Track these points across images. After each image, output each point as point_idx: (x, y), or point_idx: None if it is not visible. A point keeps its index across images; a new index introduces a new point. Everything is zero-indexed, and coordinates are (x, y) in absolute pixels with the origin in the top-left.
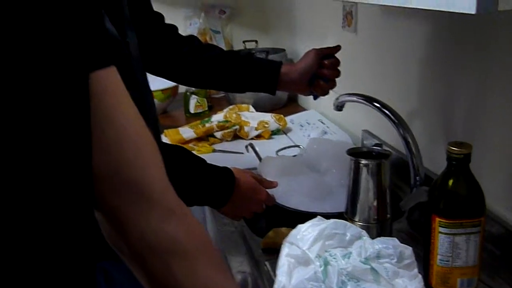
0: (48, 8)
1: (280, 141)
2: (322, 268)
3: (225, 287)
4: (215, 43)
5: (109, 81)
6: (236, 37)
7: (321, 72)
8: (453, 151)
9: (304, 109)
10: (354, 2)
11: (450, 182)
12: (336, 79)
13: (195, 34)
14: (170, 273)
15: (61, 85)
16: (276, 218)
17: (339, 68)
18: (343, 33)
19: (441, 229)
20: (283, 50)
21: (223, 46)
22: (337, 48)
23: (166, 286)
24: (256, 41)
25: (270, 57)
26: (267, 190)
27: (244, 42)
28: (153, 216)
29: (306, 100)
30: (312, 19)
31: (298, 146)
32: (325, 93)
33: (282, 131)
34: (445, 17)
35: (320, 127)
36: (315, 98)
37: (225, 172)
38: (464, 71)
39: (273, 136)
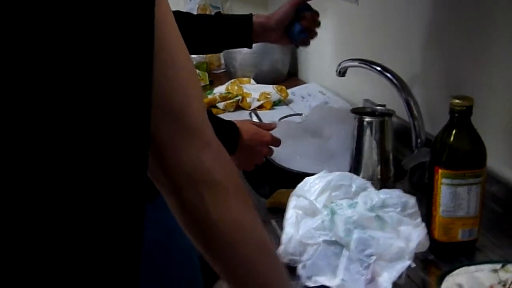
0: None
1: (282, 111)
2: (329, 217)
3: (252, 223)
4: None
5: (163, 9)
6: (236, 13)
7: (302, 24)
8: (455, 104)
9: (304, 83)
10: None
11: (452, 134)
12: (339, 48)
13: (195, 10)
14: (202, 203)
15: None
16: (280, 181)
17: (319, 20)
18: (344, 3)
19: (443, 180)
20: None
21: None
22: None
23: (197, 215)
24: None
25: None
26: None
27: None
28: (191, 146)
29: (307, 73)
30: None
31: (300, 114)
32: (307, 43)
33: (283, 102)
34: None
35: (321, 98)
36: (297, 47)
37: (228, 123)
38: (464, 34)
39: (274, 107)
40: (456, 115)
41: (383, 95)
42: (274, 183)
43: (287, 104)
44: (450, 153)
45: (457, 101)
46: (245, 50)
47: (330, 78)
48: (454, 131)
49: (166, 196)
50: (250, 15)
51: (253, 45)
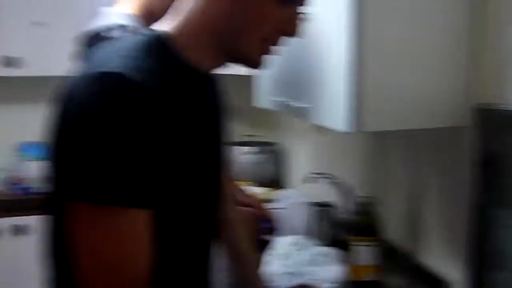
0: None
1: None
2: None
3: None
4: None
5: None
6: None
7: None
8: (360, 202)
9: (286, 188)
10: None
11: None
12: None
13: None
14: None
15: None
16: None
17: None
18: (316, 136)
19: (353, 243)
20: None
21: None
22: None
23: None
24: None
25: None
26: None
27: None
28: None
29: (290, 182)
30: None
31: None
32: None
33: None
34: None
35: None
36: None
37: None
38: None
39: None
40: (360, 206)
41: (334, 196)
42: None
43: (272, 202)
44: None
45: (361, 198)
46: (244, 160)
47: (305, 185)
48: (360, 216)
49: None
50: None
51: (250, 156)
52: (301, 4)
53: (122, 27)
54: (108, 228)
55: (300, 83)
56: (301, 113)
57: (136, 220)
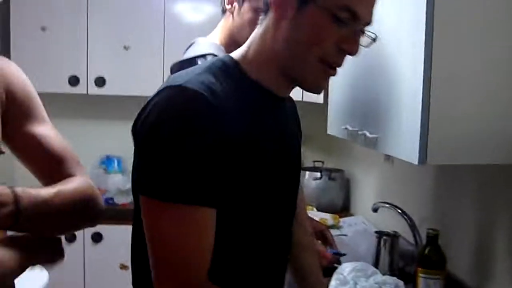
0: None
1: (334, 232)
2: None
3: None
4: None
5: None
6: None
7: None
8: (429, 233)
9: (353, 215)
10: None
11: (427, 249)
12: (378, 194)
13: None
14: None
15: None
16: None
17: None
18: (384, 165)
19: (420, 274)
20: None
21: None
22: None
23: None
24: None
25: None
26: None
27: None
28: None
29: (355, 208)
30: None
31: (345, 235)
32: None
33: (335, 226)
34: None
35: (363, 226)
36: None
37: None
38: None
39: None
40: (429, 239)
41: (399, 226)
42: None
43: (338, 228)
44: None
45: (430, 231)
46: (312, 185)
47: (370, 213)
48: (428, 248)
49: None
50: None
51: (318, 182)
52: (360, 23)
53: (212, 55)
54: (174, 223)
55: (369, 112)
56: (369, 143)
57: (201, 217)
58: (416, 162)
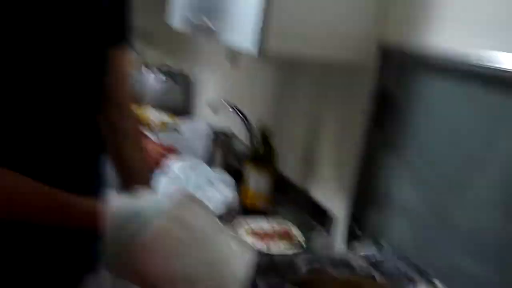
0: None
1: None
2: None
3: None
4: None
5: None
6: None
7: None
8: (260, 127)
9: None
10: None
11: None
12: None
13: None
14: None
15: None
16: None
17: None
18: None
19: (250, 171)
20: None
21: None
22: None
23: None
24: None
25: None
26: None
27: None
28: None
29: (198, 112)
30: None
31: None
32: None
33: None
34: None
35: None
36: None
37: None
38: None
39: None
40: (258, 137)
41: (240, 129)
42: None
43: (178, 131)
44: (255, 156)
45: (262, 129)
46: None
47: (213, 117)
48: (259, 146)
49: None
50: None
51: (162, 84)
52: None
53: None
54: None
55: (211, 1)
56: (211, 34)
57: None
58: (253, 51)
